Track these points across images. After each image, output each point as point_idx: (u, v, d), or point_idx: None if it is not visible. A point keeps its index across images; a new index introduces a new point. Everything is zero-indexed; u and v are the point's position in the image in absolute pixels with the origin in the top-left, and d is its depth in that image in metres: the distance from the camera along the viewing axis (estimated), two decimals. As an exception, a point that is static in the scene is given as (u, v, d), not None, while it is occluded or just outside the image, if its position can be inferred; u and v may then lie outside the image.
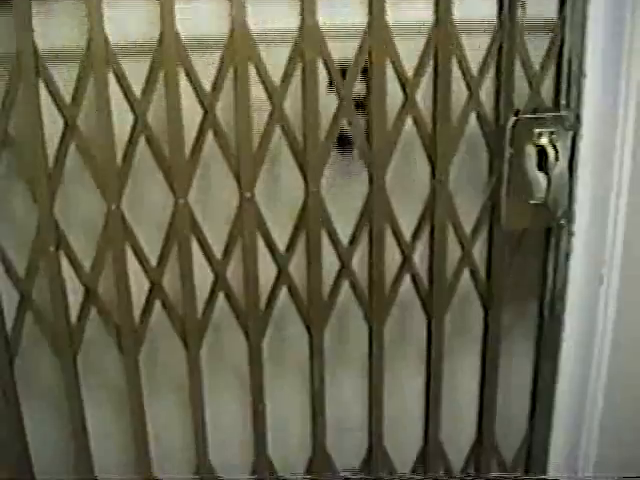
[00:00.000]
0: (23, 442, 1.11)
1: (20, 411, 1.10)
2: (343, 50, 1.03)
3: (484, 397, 1.23)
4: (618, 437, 1.21)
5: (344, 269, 1.11)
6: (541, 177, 1.07)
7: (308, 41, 1.01)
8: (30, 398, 1.14)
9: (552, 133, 1.06)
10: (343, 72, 1.03)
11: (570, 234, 1.14)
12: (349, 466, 1.22)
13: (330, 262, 1.11)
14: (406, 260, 1.12)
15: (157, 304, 1.08)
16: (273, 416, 1.16)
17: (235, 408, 1.18)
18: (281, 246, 1.09)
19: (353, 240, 1.10)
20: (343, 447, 1.21)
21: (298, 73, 1.02)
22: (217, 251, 1.07)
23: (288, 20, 1.01)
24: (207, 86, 1.01)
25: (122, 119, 1.00)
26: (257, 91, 1.02)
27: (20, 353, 1.08)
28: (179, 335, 1.09)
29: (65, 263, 1.04)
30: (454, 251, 1.15)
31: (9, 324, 1.06)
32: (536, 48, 1.09)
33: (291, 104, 1.04)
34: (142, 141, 1.01)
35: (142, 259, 1.06)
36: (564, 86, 1.10)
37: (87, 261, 1.05)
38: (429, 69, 1.06)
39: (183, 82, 1.00)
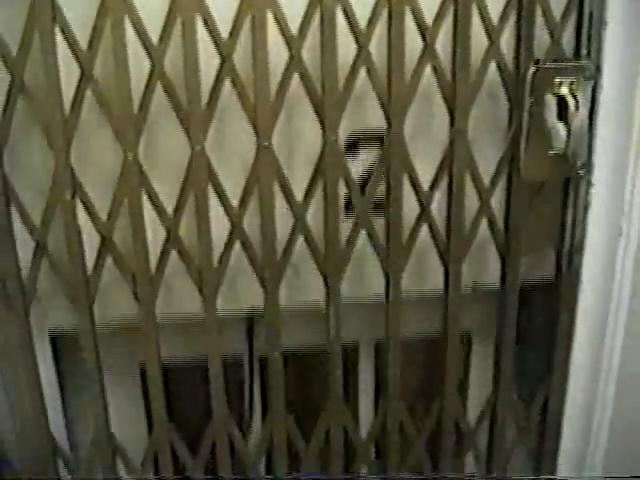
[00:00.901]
0: (39, 391, 1.24)
1: (36, 359, 1.21)
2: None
3: (500, 347, 1.35)
4: (634, 383, 1.32)
5: (361, 218, 1.21)
6: (561, 127, 1.16)
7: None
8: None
9: (572, 83, 1.14)
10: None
11: (589, 185, 1.23)
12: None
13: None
14: (424, 210, 1.22)
15: (173, 253, 1.18)
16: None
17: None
18: (298, 195, 1.20)
19: (368, 189, 1.21)
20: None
21: (317, 22, 1.12)
22: (234, 200, 1.17)
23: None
24: (224, 33, 1.11)
25: (139, 66, 1.09)
26: (275, 38, 1.12)
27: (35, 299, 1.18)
28: (195, 284, 1.20)
29: (81, 212, 1.14)
30: (472, 201, 1.23)
31: (25, 273, 1.16)
32: (557, -3, 1.17)
33: (309, 53, 1.13)
34: (159, 89, 1.11)
35: (158, 207, 1.15)
36: (585, 36, 1.17)
37: (103, 210, 1.14)
38: (449, 18, 1.14)
39: (200, 29, 1.09)
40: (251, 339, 1.38)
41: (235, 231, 1.18)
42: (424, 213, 1.22)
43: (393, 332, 1.26)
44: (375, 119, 1.18)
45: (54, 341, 1.27)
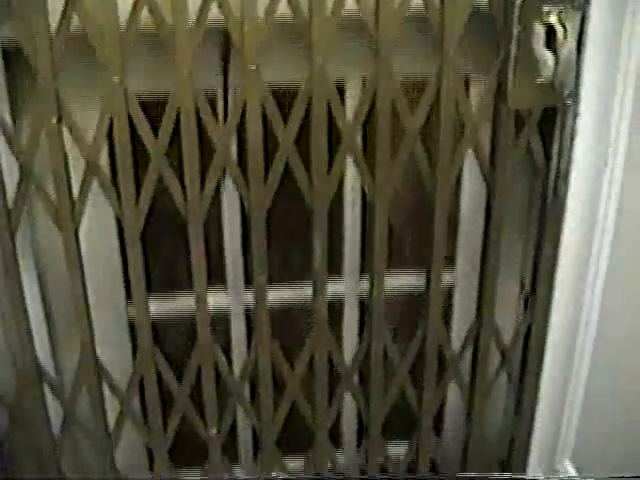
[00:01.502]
0: (24, 313, 1.31)
1: (21, 285, 1.28)
2: None
3: (484, 280, 1.43)
4: (618, 305, 1.39)
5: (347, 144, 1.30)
6: (549, 56, 1.21)
7: None
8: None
9: (561, 12, 1.20)
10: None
11: (576, 115, 1.29)
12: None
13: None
14: (410, 136, 1.29)
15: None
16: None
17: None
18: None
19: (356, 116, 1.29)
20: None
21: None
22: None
23: None
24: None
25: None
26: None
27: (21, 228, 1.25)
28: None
29: (67, 136, 1.20)
30: (458, 130, 1.30)
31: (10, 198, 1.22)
32: None
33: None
34: (145, 12, 1.16)
35: (143, 132, 1.22)
36: (574, -35, 1.24)
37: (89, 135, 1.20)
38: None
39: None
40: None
41: (221, 156, 1.25)
42: (409, 138, 1.29)
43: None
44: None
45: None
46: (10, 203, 1.23)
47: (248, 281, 1.42)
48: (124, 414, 1.43)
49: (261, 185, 1.27)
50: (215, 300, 1.40)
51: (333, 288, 1.43)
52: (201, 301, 1.33)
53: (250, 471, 1.60)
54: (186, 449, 1.52)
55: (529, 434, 1.62)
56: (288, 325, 1.49)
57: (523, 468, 1.68)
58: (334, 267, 1.44)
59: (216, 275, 1.40)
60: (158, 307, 1.40)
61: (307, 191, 1.29)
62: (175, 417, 1.44)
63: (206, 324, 1.35)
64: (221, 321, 1.46)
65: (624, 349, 1.38)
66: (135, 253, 1.28)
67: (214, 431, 1.46)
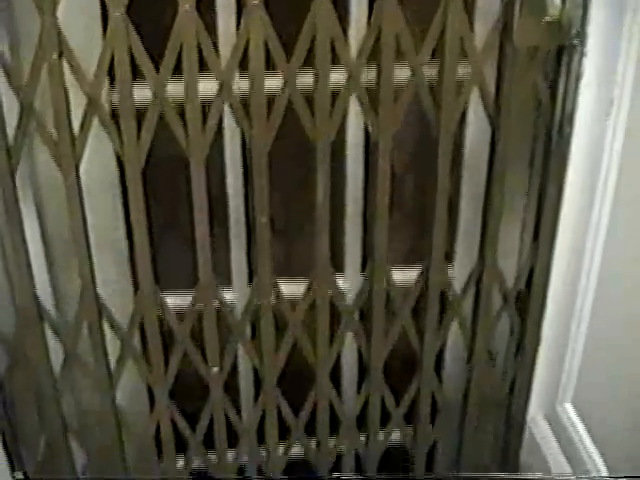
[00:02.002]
0: (24, 251, 1.37)
1: (21, 219, 1.32)
2: None
3: (487, 222, 1.48)
4: (622, 238, 1.42)
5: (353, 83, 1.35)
6: (556, -7, 1.27)
7: None
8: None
9: (568, -51, 1.26)
10: None
11: (582, 55, 1.33)
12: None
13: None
14: (414, 73, 1.33)
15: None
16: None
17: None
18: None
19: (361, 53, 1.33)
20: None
21: None
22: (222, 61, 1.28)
23: None
24: None
25: None
26: None
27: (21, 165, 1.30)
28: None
29: (67, 72, 1.23)
30: (464, 68, 1.34)
31: (11, 134, 1.26)
32: None
33: None
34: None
35: (145, 67, 1.25)
36: None
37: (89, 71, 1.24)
38: None
39: None
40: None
41: (224, 91, 1.30)
42: (414, 76, 1.34)
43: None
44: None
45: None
46: (10, 140, 1.27)
47: (249, 225, 1.47)
48: (125, 353, 1.50)
49: (264, 122, 1.32)
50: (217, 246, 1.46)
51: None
52: (204, 248, 1.39)
53: (250, 414, 1.66)
54: (187, 389, 1.59)
55: (530, 376, 1.69)
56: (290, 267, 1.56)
57: (524, 410, 1.76)
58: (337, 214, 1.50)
59: (218, 217, 1.46)
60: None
61: (310, 129, 1.34)
62: (176, 356, 1.51)
63: (208, 263, 1.41)
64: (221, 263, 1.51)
65: (627, 292, 1.41)
66: (136, 191, 1.33)
67: (215, 370, 1.52)
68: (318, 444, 1.70)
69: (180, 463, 1.68)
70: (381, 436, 1.73)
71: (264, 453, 1.70)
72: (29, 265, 1.37)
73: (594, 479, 1.49)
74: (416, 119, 1.44)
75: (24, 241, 1.35)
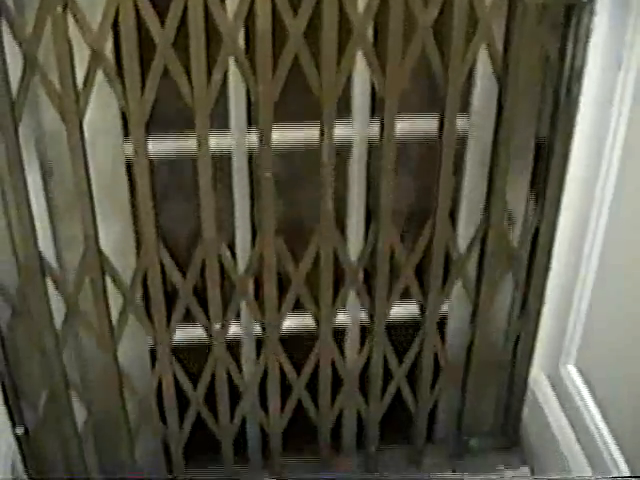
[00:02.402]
0: (27, 205, 1.39)
1: (24, 177, 1.36)
2: None
3: (492, 181, 1.52)
4: (627, 219, 1.46)
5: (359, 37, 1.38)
6: (568, -51, 1.30)
7: None
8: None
9: None
10: None
11: (592, 13, 1.36)
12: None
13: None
14: (422, 30, 1.36)
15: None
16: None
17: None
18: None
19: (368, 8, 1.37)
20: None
21: None
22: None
23: None
24: None
25: None
26: None
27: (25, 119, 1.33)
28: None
29: (72, 26, 1.26)
30: (471, 26, 1.36)
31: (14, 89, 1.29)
32: None
33: None
34: None
35: (150, 21, 1.28)
36: None
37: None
38: None
39: None
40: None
41: (229, 46, 1.34)
42: (422, 33, 1.37)
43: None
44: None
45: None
46: (14, 94, 1.30)
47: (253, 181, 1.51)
48: (127, 308, 1.55)
49: (269, 77, 1.35)
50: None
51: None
52: (207, 204, 1.44)
53: (252, 371, 1.72)
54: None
55: (533, 337, 1.75)
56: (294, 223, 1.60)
57: (526, 371, 1.81)
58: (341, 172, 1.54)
59: (221, 172, 1.49)
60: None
61: (316, 85, 1.38)
62: (179, 311, 1.56)
63: (212, 218, 1.46)
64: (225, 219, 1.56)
65: (634, 252, 1.44)
66: (139, 146, 1.37)
67: (218, 326, 1.58)
68: (319, 404, 1.76)
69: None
70: (383, 396, 1.78)
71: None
72: (32, 219, 1.41)
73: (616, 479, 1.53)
74: (423, 77, 1.47)
75: (27, 195, 1.38)
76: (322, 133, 1.41)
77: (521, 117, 1.48)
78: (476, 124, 1.52)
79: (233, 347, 1.66)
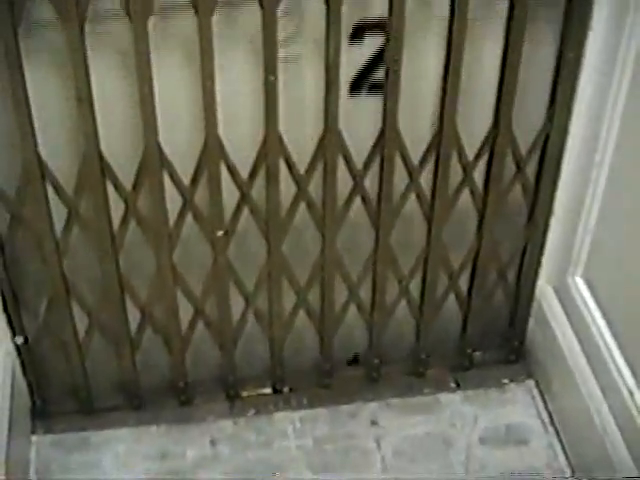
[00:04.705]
0: (26, 108, 1.41)
1: (24, 78, 1.37)
2: None
3: (504, 83, 1.51)
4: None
5: None
6: None
7: None
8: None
9: None
10: None
11: None
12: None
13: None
14: None
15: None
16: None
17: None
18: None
19: None
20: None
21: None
22: None
23: None
24: None
25: None
26: None
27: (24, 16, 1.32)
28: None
29: None
30: None
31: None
32: None
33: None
34: None
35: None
36: None
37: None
38: None
39: None
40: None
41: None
42: None
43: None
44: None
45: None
46: None
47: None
48: (128, 215, 1.58)
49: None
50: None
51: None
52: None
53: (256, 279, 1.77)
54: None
55: (541, 248, 1.79)
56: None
57: (533, 281, 1.86)
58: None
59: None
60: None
61: None
62: (182, 218, 1.60)
63: (215, 126, 1.49)
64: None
65: None
66: (141, 44, 1.38)
67: (220, 233, 1.62)
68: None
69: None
70: (389, 305, 1.84)
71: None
72: (31, 122, 1.43)
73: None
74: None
75: (27, 98, 1.40)
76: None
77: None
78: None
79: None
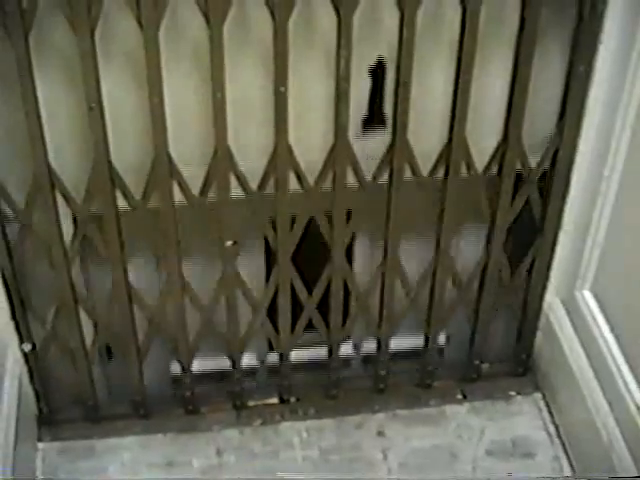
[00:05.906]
0: (37, 117, 1.41)
1: (34, 85, 1.38)
2: None
3: (514, 96, 1.52)
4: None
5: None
6: None
7: None
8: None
9: None
10: None
11: None
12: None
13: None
14: None
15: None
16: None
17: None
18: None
19: None
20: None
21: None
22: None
23: None
24: None
25: None
26: None
27: (36, 25, 1.33)
28: (201, 10, 1.35)
29: None
30: None
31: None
32: None
33: None
34: None
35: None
36: None
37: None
38: None
39: None
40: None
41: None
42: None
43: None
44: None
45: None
46: (24, 2, 1.31)
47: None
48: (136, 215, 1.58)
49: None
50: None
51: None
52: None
53: (263, 290, 1.77)
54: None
55: (549, 261, 1.80)
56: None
57: (541, 295, 1.87)
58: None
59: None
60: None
61: None
62: (190, 226, 1.61)
63: (224, 135, 1.50)
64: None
65: None
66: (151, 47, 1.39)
67: (229, 243, 1.63)
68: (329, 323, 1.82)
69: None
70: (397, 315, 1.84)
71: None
72: (42, 131, 1.44)
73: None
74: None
75: (37, 106, 1.41)
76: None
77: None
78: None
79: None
